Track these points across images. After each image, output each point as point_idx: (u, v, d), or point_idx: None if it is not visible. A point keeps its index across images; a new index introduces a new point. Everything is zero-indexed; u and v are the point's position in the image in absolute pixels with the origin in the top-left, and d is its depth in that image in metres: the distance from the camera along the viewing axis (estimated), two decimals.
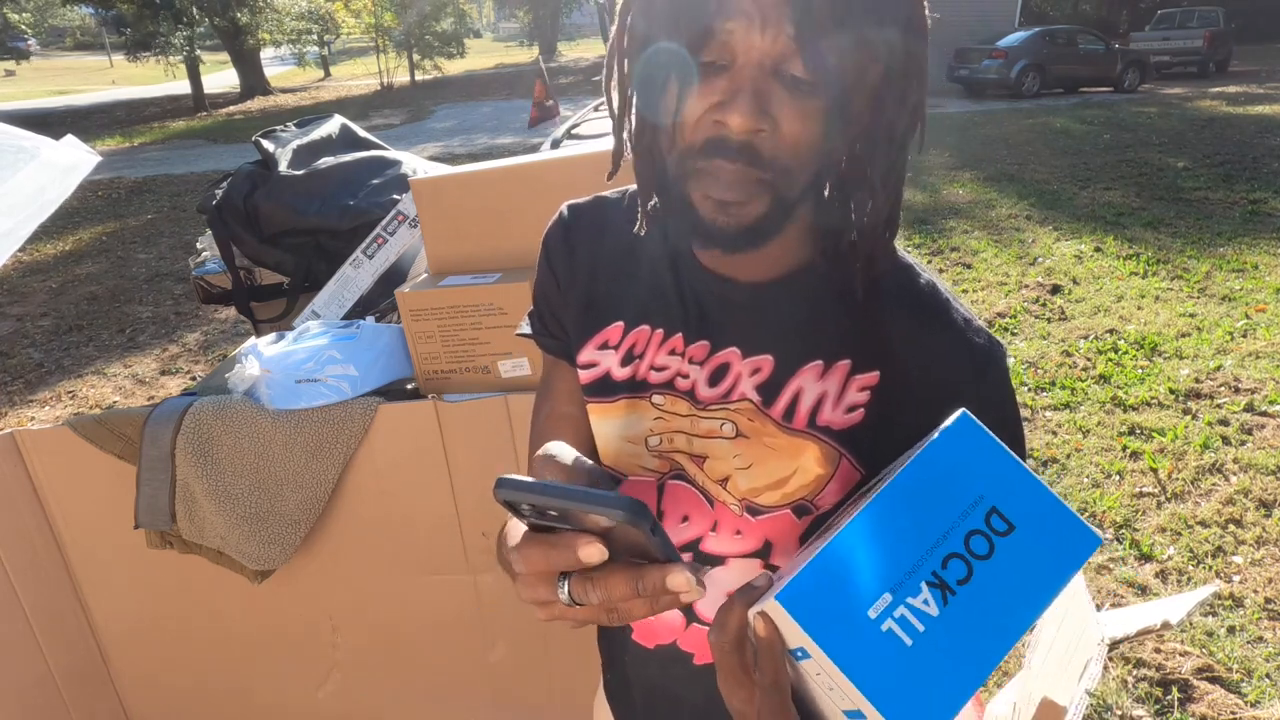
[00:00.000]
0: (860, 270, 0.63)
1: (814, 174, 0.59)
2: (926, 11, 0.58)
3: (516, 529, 0.54)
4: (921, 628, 0.45)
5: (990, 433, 0.51)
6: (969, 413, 0.51)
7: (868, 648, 0.44)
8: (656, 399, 0.71)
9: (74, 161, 1.27)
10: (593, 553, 0.44)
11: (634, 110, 0.63)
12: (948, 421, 0.51)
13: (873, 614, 0.45)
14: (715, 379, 0.68)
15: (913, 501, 0.48)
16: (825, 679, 0.47)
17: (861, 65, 0.56)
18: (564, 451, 0.53)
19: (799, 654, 0.48)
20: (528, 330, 0.83)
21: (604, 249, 0.75)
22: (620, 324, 0.73)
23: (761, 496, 0.67)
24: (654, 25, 0.58)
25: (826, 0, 0.52)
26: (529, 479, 0.44)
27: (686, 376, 0.69)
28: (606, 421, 0.74)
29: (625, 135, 0.66)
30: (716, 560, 0.71)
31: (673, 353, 0.70)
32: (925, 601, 0.46)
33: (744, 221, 0.58)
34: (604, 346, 0.74)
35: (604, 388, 0.73)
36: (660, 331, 0.71)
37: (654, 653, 0.78)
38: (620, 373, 0.72)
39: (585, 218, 0.77)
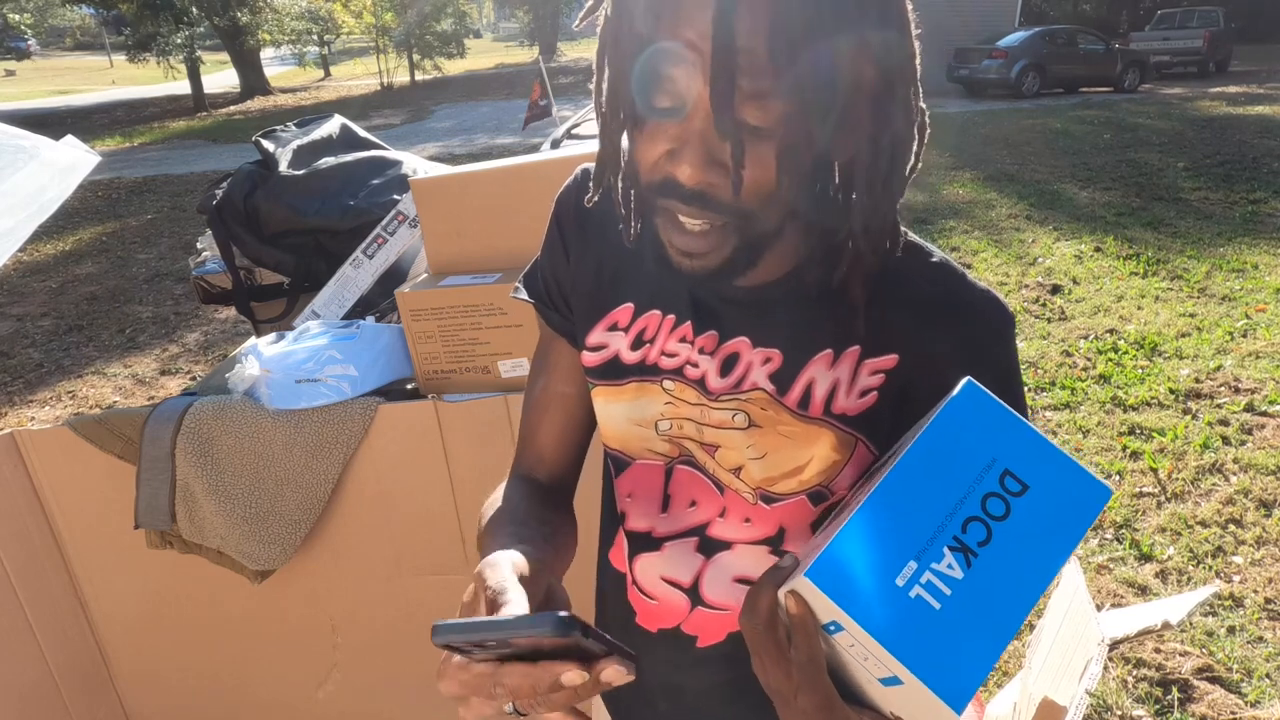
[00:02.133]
0: (852, 288, 0.63)
1: (782, 213, 0.58)
2: (912, 28, 0.55)
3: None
4: (948, 591, 0.46)
5: (996, 398, 0.52)
6: (974, 380, 0.52)
7: (899, 615, 0.46)
8: (667, 384, 0.71)
9: (73, 161, 1.27)
10: (574, 677, 0.47)
11: (610, 136, 0.62)
12: (954, 390, 0.52)
13: (900, 582, 0.46)
14: (726, 368, 0.68)
15: (928, 470, 0.49)
16: (859, 649, 0.48)
17: (822, 104, 0.53)
18: (501, 569, 0.55)
19: (832, 628, 0.49)
20: (525, 295, 0.81)
21: (616, 226, 0.73)
22: (630, 306, 0.73)
23: (777, 485, 0.67)
24: (620, 65, 0.57)
25: (771, 47, 0.49)
26: (463, 621, 0.47)
27: (696, 366, 0.69)
28: (615, 404, 0.73)
29: (605, 157, 0.64)
30: (723, 545, 0.71)
31: (682, 340, 0.70)
32: (949, 565, 0.47)
33: (710, 266, 0.58)
34: (614, 328, 0.73)
35: (613, 370, 0.73)
36: (671, 318, 0.71)
37: (657, 637, 0.78)
38: (630, 356, 0.72)
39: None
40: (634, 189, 0.62)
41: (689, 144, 0.54)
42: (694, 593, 0.74)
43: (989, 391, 0.52)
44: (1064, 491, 0.49)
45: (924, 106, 0.59)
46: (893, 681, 0.47)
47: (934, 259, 0.67)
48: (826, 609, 0.47)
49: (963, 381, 0.52)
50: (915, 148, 0.59)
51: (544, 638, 0.45)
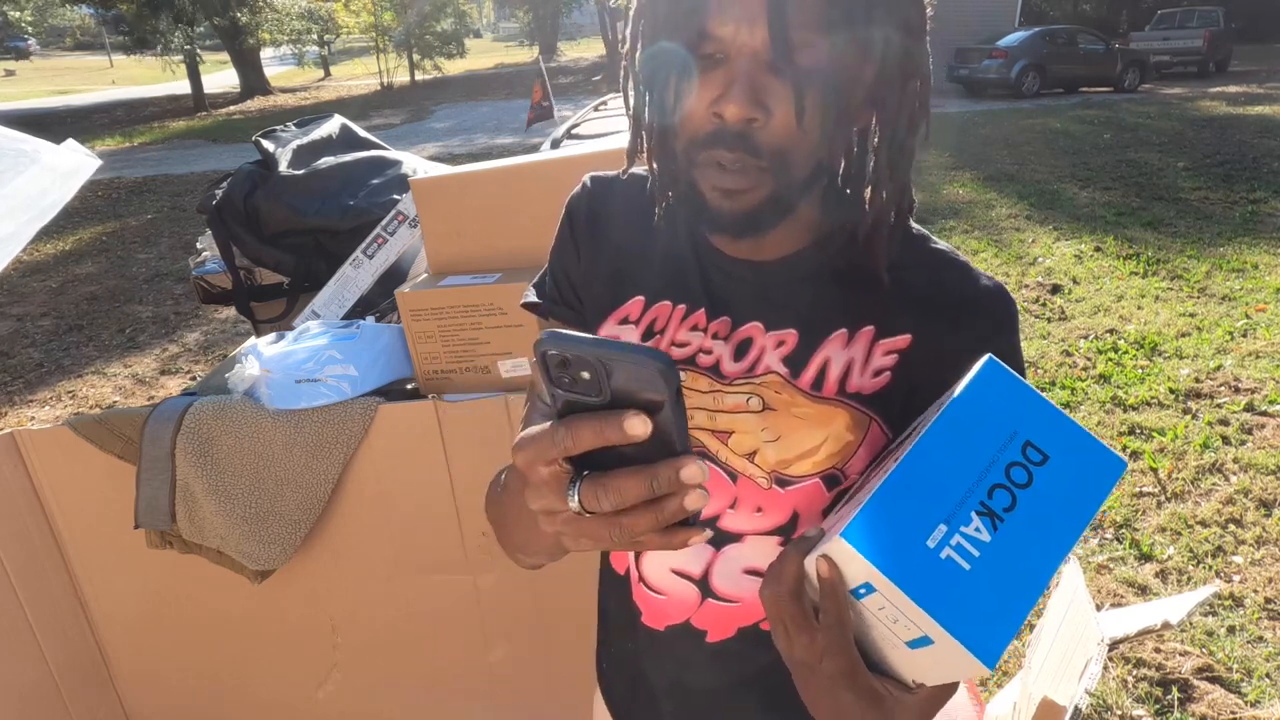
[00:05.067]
0: (872, 254, 0.66)
1: (814, 164, 0.62)
2: (926, 8, 0.61)
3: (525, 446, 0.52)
4: (976, 553, 0.48)
5: (1017, 374, 0.54)
6: (994, 358, 0.54)
7: (931, 575, 0.47)
8: None
9: (75, 166, 1.27)
10: (637, 424, 0.43)
11: (647, 108, 0.66)
12: (975, 367, 0.54)
13: (931, 544, 0.48)
14: (739, 353, 0.69)
15: (954, 440, 0.51)
16: (889, 611, 0.49)
17: (856, 60, 0.59)
18: None
19: (862, 591, 0.50)
20: (534, 298, 0.82)
21: (626, 223, 0.76)
22: (641, 298, 0.74)
23: (792, 467, 0.68)
24: (658, 29, 0.62)
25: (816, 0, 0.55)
26: (569, 333, 0.44)
27: (709, 352, 0.70)
28: None
29: (641, 132, 0.68)
30: (733, 538, 0.71)
31: (694, 329, 0.71)
32: (977, 529, 0.49)
33: (746, 208, 0.61)
34: (624, 321, 0.74)
35: None
36: (682, 308, 0.72)
37: (664, 635, 0.77)
38: None
39: (609, 190, 0.79)
40: (671, 155, 0.65)
41: (735, 83, 0.58)
42: (704, 584, 0.74)
43: (1010, 368, 0.54)
44: (1082, 462, 0.51)
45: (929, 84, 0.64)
46: (922, 642, 0.48)
47: (938, 247, 0.70)
48: (859, 570, 0.48)
49: (984, 358, 0.54)
50: (926, 117, 0.64)
51: (644, 368, 0.42)
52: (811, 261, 0.69)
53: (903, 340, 0.67)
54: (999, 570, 0.48)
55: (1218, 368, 3.65)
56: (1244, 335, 3.98)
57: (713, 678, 0.77)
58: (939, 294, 0.67)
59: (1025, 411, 0.52)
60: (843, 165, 0.66)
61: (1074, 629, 1.51)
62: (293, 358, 1.47)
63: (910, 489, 0.49)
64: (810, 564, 0.53)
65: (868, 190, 0.65)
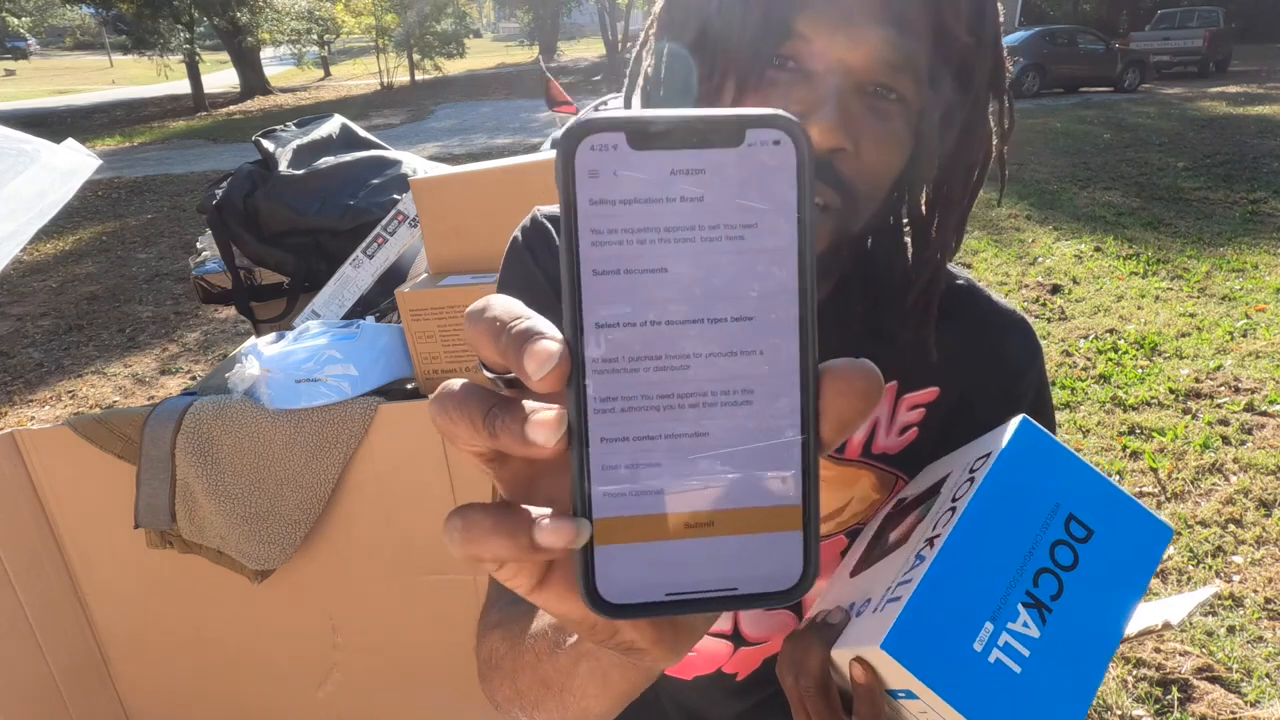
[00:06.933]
0: (924, 316, 0.60)
1: (880, 209, 0.55)
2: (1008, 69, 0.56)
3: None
4: (1026, 652, 0.44)
5: (1052, 435, 0.50)
6: (1029, 418, 0.50)
7: (979, 683, 0.43)
8: None
9: (74, 166, 1.27)
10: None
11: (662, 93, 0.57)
12: (1009, 430, 0.50)
13: (978, 647, 0.44)
14: None
15: (994, 521, 0.47)
16: (932, 717, 0.45)
17: (954, 95, 0.51)
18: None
19: (901, 694, 0.46)
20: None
21: None
22: None
23: None
24: (719, 7, 0.50)
25: (930, 17, 0.47)
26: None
27: None
28: None
29: None
30: None
31: None
32: (1025, 624, 0.45)
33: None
34: None
35: None
36: None
37: (691, 683, 0.74)
38: None
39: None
40: None
41: (824, 103, 0.47)
42: (736, 636, 0.71)
43: (1043, 428, 0.50)
44: (1128, 534, 0.47)
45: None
46: None
47: (959, 282, 0.66)
48: (899, 677, 0.45)
49: (1017, 420, 0.50)
50: (1000, 170, 0.59)
51: None
52: (836, 315, 0.62)
53: (929, 394, 0.63)
54: (1050, 669, 0.44)
55: (1218, 368, 3.65)
56: (1244, 335, 3.98)
57: (737, 706, 0.76)
58: (964, 331, 0.62)
59: (1065, 479, 0.48)
60: (913, 209, 0.59)
61: None
62: (293, 358, 1.47)
63: (953, 583, 0.45)
64: (841, 660, 0.49)
65: (914, 243, 0.58)
